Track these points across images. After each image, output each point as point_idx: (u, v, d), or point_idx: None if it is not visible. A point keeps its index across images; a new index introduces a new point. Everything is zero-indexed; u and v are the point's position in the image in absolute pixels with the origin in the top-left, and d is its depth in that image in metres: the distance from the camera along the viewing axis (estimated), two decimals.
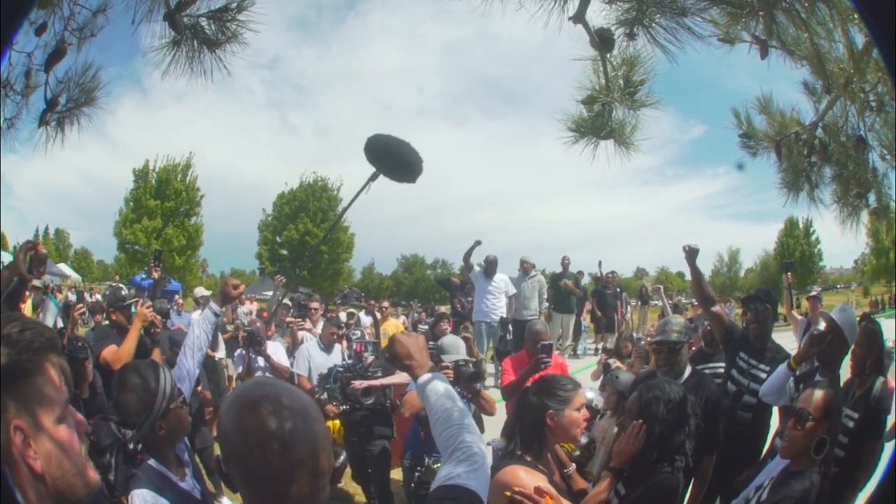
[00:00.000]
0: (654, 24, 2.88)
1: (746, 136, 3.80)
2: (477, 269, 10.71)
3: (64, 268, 32.84)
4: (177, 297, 17.77)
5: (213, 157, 74.24)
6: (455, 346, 4.86)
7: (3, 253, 23.91)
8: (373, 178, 2.51)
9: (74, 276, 32.15)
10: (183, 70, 3.26)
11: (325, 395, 5.66)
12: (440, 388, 1.85)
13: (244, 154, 78.23)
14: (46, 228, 55.64)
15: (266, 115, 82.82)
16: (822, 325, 4.29)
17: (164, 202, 32.77)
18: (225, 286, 3.30)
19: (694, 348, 5.42)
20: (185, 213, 34.09)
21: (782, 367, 4.12)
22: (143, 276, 28.23)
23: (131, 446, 2.25)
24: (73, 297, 14.60)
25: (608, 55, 3.14)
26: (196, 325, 3.15)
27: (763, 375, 4.40)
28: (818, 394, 2.88)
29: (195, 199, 34.54)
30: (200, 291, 11.88)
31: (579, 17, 2.90)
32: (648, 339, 6.36)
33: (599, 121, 3.30)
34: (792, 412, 2.98)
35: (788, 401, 4.08)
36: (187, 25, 3.18)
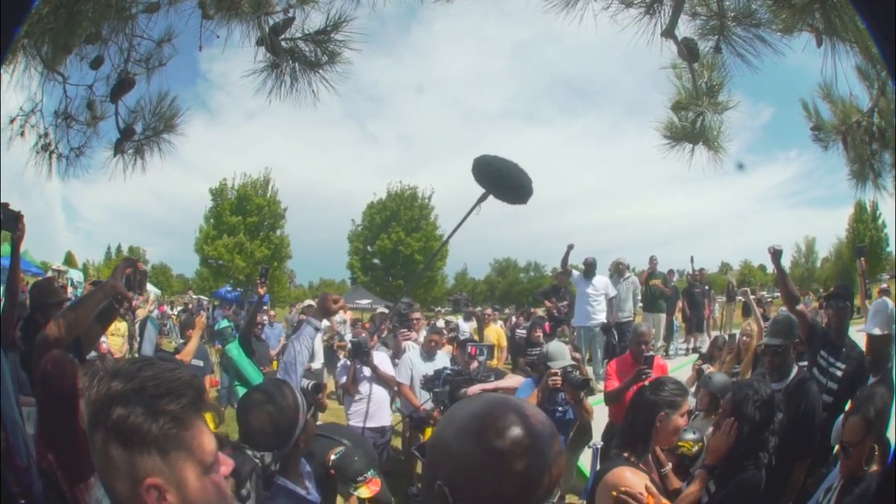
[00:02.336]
0: (733, 36, 3.00)
1: (817, 129, 3.76)
2: (575, 273, 10.52)
3: None
4: (265, 307, 18.27)
5: (295, 171, 75.73)
6: (561, 353, 4.92)
7: (71, 270, 24.94)
8: (482, 198, 2.55)
9: (154, 290, 33.26)
10: (287, 92, 3.38)
11: (429, 402, 5.73)
12: None
13: (326, 167, 78.94)
14: (119, 246, 58.33)
15: (344, 127, 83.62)
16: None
17: (246, 218, 33.79)
18: (324, 301, 3.26)
19: None
20: (270, 227, 35.02)
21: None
22: (229, 288, 29.37)
23: (273, 467, 2.22)
24: (155, 312, 15.20)
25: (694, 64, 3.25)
26: (296, 340, 3.12)
27: (839, 374, 4.44)
28: (850, 423, 2.94)
29: (278, 213, 35.45)
30: (307, 303, 12.11)
31: (669, 32, 3.05)
32: (743, 337, 6.37)
33: (691, 128, 3.41)
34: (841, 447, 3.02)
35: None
36: (285, 49, 3.30)
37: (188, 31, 3.44)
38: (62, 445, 2.67)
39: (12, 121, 3.69)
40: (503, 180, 2.54)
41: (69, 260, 40.46)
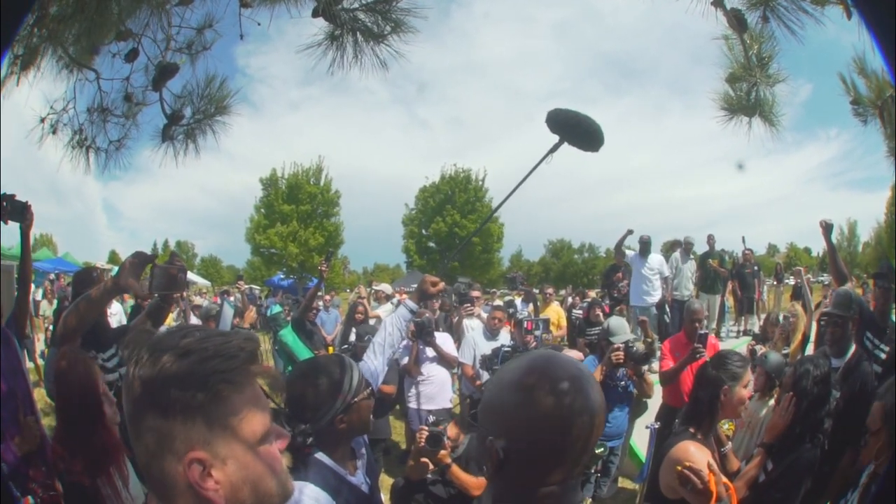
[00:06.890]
0: (777, 6, 2.97)
1: (856, 103, 3.68)
2: (631, 252, 10.42)
3: (190, 275, 33.38)
4: (319, 293, 18.63)
5: (345, 158, 76.44)
6: (622, 328, 5.08)
7: (116, 268, 24.93)
8: (556, 147, 2.55)
9: (203, 282, 32.93)
10: (350, 64, 3.19)
11: (487, 377, 5.80)
12: None
13: (376, 152, 79.60)
14: (166, 242, 60.26)
15: (392, 113, 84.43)
16: None
17: (298, 206, 34.05)
18: (423, 284, 3.09)
19: None
20: (324, 214, 35.24)
21: None
22: (281, 276, 29.93)
23: (299, 440, 2.06)
24: (205, 302, 15.69)
25: (744, 34, 3.22)
26: (389, 322, 3.00)
27: (883, 356, 4.33)
28: (874, 407, 2.92)
29: (332, 200, 35.65)
30: (379, 286, 12.24)
31: (718, 2, 3.05)
32: (790, 318, 6.50)
33: (746, 100, 3.39)
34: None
35: None
36: (345, 20, 3.14)
37: (225, 22, 3.41)
38: (81, 441, 2.66)
39: (43, 119, 3.62)
40: (577, 126, 2.56)
41: (113, 258, 41.83)
